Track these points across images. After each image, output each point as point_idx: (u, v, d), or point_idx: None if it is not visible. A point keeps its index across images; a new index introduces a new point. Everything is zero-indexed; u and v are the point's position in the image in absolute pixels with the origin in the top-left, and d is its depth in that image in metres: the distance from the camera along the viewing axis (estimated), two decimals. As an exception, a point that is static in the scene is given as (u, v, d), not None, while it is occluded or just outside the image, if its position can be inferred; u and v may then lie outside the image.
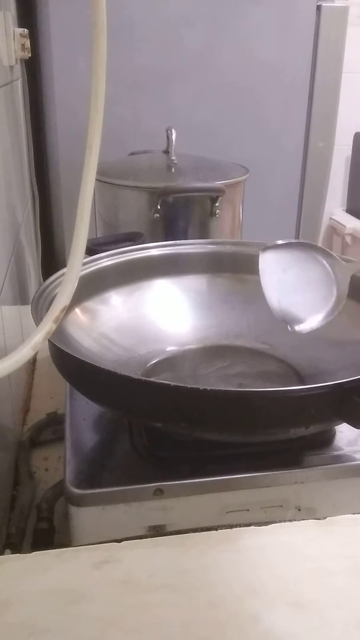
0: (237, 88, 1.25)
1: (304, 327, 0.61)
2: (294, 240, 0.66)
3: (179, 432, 0.54)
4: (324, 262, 0.63)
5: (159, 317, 0.73)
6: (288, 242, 0.65)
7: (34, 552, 0.42)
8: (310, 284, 0.63)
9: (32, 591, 0.38)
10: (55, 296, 0.49)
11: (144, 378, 0.56)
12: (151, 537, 0.44)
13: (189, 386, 0.47)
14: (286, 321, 0.62)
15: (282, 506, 0.54)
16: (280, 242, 0.65)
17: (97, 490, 0.51)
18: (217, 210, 0.89)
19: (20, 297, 0.81)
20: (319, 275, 0.63)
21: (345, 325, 0.67)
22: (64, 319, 0.51)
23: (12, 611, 0.37)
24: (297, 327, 0.61)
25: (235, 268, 0.77)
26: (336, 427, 0.57)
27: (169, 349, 0.70)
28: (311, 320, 0.61)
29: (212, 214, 0.90)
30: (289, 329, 0.61)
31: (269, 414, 0.49)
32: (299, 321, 0.61)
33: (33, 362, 0.92)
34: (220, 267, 0.77)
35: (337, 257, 0.64)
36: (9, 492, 0.65)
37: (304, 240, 0.67)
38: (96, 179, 0.46)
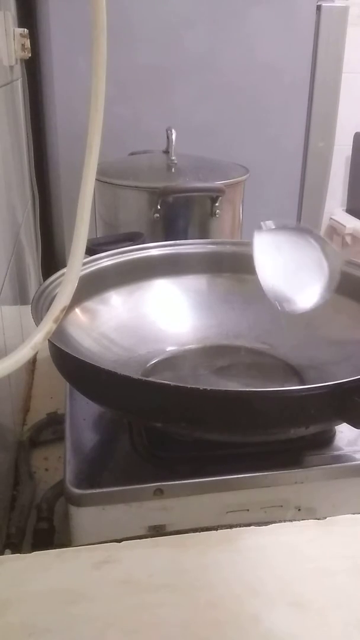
0: (237, 88, 1.25)
1: (294, 308, 0.61)
2: (289, 223, 0.66)
3: (179, 432, 0.54)
4: (318, 247, 0.63)
5: (159, 317, 0.73)
6: (283, 224, 0.65)
7: (34, 552, 0.42)
8: (302, 267, 0.63)
9: (32, 591, 0.38)
10: (55, 296, 0.49)
11: (144, 378, 0.56)
12: (151, 537, 0.44)
13: (189, 386, 0.47)
14: (277, 302, 0.61)
15: (282, 506, 0.54)
16: (275, 223, 0.65)
17: (97, 490, 0.51)
18: (217, 210, 0.89)
19: (20, 297, 0.81)
20: (312, 259, 0.63)
21: (345, 325, 0.67)
22: (64, 319, 0.51)
23: (12, 611, 0.37)
24: (288, 309, 0.61)
25: (235, 268, 0.77)
26: (336, 427, 0.57)
27: (169, 349, 0.70)
28: (302, 303, 0.61)
29: (212, 214, 0.89)
30: (280, 309, 0.61)
31: (269, 414, 0.49)
32: (290, 303, 0.61)
33: (33, 362, 0.92)
34: (220, 267, 0.77)
35: (330, 243, 0.64)
36: (9, 492, 0.65)
37: (300, 224, 0.67)
38: (96, 179, 0.46)
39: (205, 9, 1.19)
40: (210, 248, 0.79)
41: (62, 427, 0.61)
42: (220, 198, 0.88)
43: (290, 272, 0.63)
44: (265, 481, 0.53)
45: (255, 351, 0.70)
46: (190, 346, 0.71)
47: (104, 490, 0.51)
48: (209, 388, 0.47)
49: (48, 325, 0.46)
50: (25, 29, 0.91)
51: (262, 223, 0.65)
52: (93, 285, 0.69)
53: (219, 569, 0.40)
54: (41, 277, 1.10)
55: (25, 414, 0.81)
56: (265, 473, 0.53)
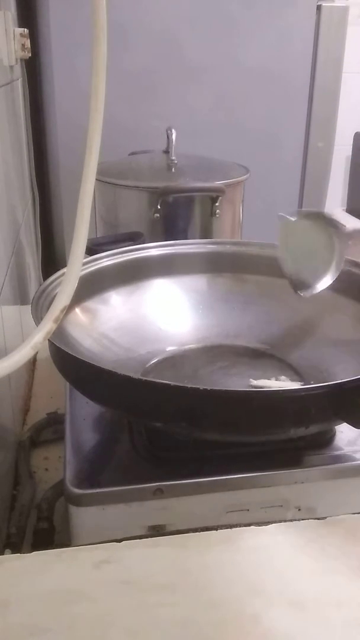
0: (237, 88, 1.25)
1: (307, 292, 0.66)
2: (306, 210, 0.70)
3: (179, 432, 0.54)
4: (330, 231, 0.68)
5: (159, 317, 0.73)
6: (301, 211, 0.71)
7: (34, 552, 0.42)
8: (318, 252, 0.67)
9: (32, 591, 0.38)
10: (55, 296, 0.49)
11: (144, 378, 0.56)
12: (151, 537, 0.44)
13: (189, 386, 0.47)
14: (296, 286, 0.67)
15: (282, 506, 0.54)
16: (292, 212, 0.70)
17: (97, 490, 0.51)
18: (217, 210, 0.89)
19: (20, 297, 0.81)
20: (325, 243, 0.67)
21: (345, 325, 0.67)
22: (64, 319, 0.51)
23: (12, 611, 0.37)
24: (303, 293, 0.67)
25: (235, 268, 0.77)
26: (336, 427, 0.57)
27: (169, 348, 0.70)
28: (314, 286, 0.66)
29: (212, 214, 0.90)
30: (299, 293, 0.67)
31: (269, 414, 0.49)
32: (306, 287, 0.67)
33: (33, 362, 0.92)
34: (220, 267, 0.77)
35: (339, 225, 0.69)
36: (9, 492, 0.65)
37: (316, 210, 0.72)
38: (96, 179, 0.46)
39: (206, 9, 1.19)
40: (210, 248, 0.79)
41: (62, 427, 0.61)
42: (220, 198, 0.89)
43: (307, 257, 0.68)
44: (265, 481, 0.53)
45: (255, 351, 0.70)
46: (190, 346, 0.71)
47: (104, 490, 0.51)
48: (209, 388, 0.47)
49: (48, 325, 0.46)
50: (25, 29, 0.91)
51: (280, 214, 0.69)
52: (93, 285, 0.69)
53: (219, 568, 0.40)
54: (41, 277, 1.10)
55: (25, 414, 0.81)
56: (265, 473, 0.53)
